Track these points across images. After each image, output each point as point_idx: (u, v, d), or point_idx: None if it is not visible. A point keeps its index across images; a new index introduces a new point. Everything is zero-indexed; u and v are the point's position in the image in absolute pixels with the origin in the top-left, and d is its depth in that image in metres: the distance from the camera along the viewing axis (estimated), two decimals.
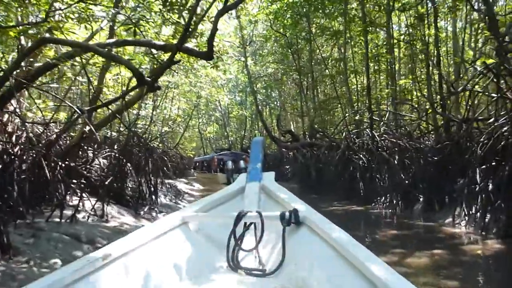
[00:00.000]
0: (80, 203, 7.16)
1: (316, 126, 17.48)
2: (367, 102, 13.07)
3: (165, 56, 9.22)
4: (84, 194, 7.50)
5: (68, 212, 6.52)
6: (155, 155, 18.99)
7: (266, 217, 2.33)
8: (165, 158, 19.17)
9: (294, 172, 20.11)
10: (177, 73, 20.87)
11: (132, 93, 15.02)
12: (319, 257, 2.08)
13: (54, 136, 7.24)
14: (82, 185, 7.69)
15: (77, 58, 7.35)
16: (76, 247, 5.41)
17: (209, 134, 43.79)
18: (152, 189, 9.06)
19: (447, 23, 15.37)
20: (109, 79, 14.87)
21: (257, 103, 20.37)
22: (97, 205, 7.40)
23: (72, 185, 7.41)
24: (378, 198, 11.36)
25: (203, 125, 43.08)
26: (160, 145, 23.85)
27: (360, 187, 11.78)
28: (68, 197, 7.39)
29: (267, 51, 18.65)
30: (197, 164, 33.59)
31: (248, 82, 21.62)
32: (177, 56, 11.90)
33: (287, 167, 24.22)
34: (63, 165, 7.37)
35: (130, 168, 9.31)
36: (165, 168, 19.27)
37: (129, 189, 9.33)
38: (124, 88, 14.46)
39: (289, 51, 16.77)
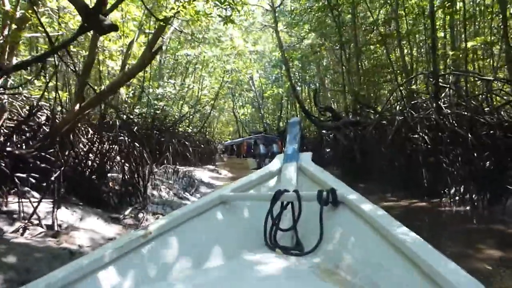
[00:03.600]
0: (21, 208, 5.00)
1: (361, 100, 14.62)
2: (431, 63, 10.09)
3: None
4: (35, 194, 5.38)
5: None
6: (175, 139, 16.94)
7: (303, 196, 2.29)
8: (186, 143, 16.97)
9: (335, 156, 17.41)
10: (197, 43, 18.54)
11: (133, 62, 12.69)
12: (357, 237, 2.05)
13: None
14: (34, 181, 5.49)
15: None
16: None
17: (243, 116, 41.53)
18: (140, 182, 6.67)
19: None
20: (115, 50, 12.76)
21: (290, 75, 17.59)
22: (48, 209, 5.19)
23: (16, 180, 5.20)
24: (447, 189, 8.60)
25: (239, 108, 40.97)
26: (188, 128, 21.83)
27: (421, 175, 8.98)
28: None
29: (302, 12, 15.64)
30: (228, 148, 31.56)
31: (281, 55, 18.86)
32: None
33: (327, 150, 21.56)
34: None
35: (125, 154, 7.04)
36: (187, 154, 17.16)
37: (114, 184, 7.06)
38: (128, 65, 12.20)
39: (329, 7, 13.65)
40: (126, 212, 6.18)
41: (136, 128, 15.88)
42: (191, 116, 21.49)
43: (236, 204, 2.61)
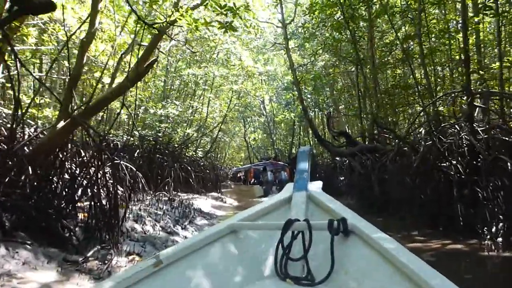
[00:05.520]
0: None
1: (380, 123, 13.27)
2: (457, 83, 8.82)
3: None
4: None
5: None
6: (177, 164, 15.78)
7: (314, 226, 2.24)
8: (189, 168, 15.77)
9: (350, 185, 16.02)
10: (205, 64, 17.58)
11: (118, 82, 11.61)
12: (369, 267, 2.02)
13: None
14: None
15: None
16: None
17: (253, 142, 40.36)
18: (112, 214, 5.43)
19: None
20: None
21: (301, 96, 16.34)
22: None
23: None
24: (485, 228, 7.21)
25: (250, 133, 39.95)
26: (194, 153, 20.72)
27: (455, 210, 7.58)
28: None
29: (315, 26, 14.40)
30: (236, 175, 30.45)
31: (292, 75, 17.70)
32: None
33: (341, 178, 20.18)
34: None
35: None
36: (191, 180, 15.95)
37: (85, 215, 5.85)
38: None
39: (344, 21, 12.29)
40: (89, 253, 4.93)
41: (137, 151, 15.02)
42: (196, 140, 20.39)
43: (246, 233, 2.55)
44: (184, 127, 17.34)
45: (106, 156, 5.55)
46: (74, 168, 6.23)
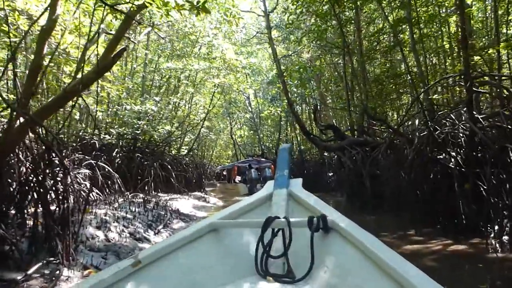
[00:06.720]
0: None
1: (368, 116, 12.57)
2: (454, 68, 8.13)
3: None
4: None
5: None
6: (157, 163, 14.94)
7: (294, 223, 2.27)
8: (169, 167, 14.95)
9: (340, 181, 15.35)
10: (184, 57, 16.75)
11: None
12: (349, 264, 2.04)
13: None
14: None
15: None
16: None
17: (239, 139, 39.59)
18: (63, 220, 4.62)
19: None
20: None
21: (286, 88, 15.47)
22: None
23: None
24: (489, 226, 6.56)
25: (236, 130, 39.24)
26: (178, 151, 19.97)
27: (457, 206, 6.90)
28: None
29: (298, 11, 13.53)
30: (221, 173, 29.73)
31: (275, 65, 16.93)
32: None
33: (330, 174, 19.54)
34: None
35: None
36: (172, 180, 15.13)
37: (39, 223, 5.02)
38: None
39: (330, 3, 11.41)
40: (32, 269, 4.12)
41: (116, 150, 14.14)
42: (180, 138, 19.57)
43: (227, 231, 2.53)
44: (165, 124, 16.50)
45: (52, 156, 4.72)
46: (25, 171, 5.42)
